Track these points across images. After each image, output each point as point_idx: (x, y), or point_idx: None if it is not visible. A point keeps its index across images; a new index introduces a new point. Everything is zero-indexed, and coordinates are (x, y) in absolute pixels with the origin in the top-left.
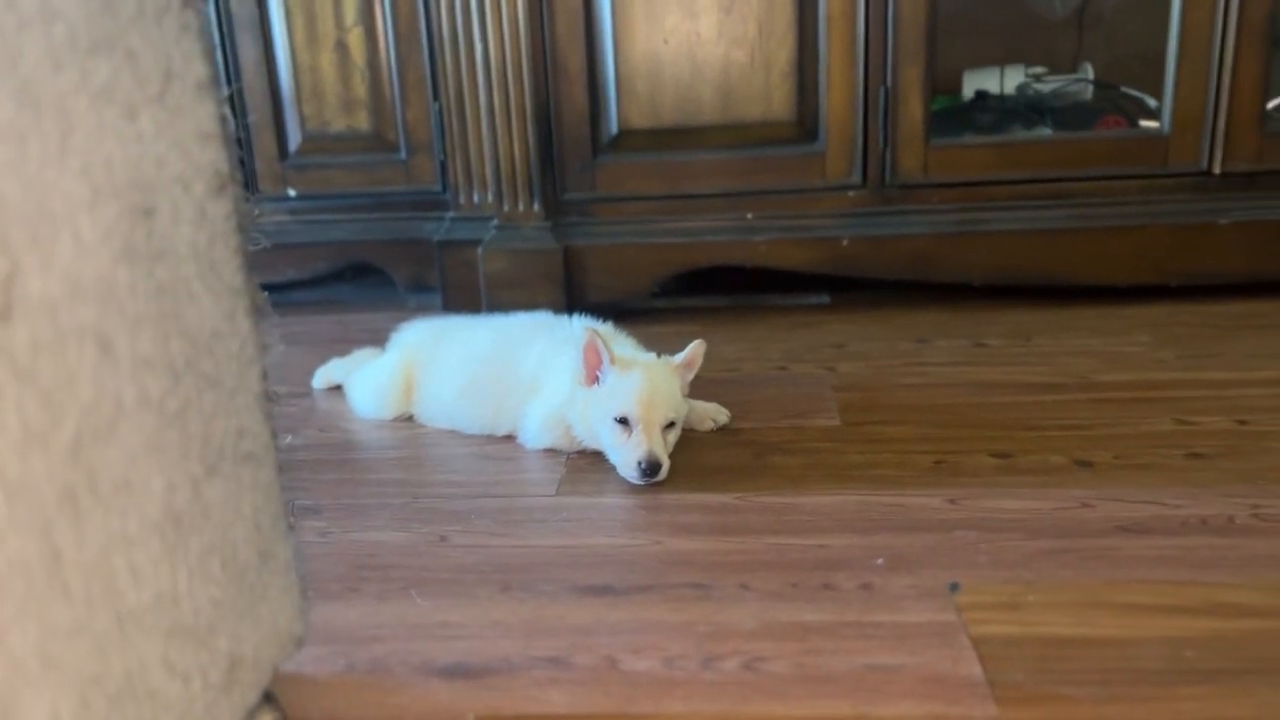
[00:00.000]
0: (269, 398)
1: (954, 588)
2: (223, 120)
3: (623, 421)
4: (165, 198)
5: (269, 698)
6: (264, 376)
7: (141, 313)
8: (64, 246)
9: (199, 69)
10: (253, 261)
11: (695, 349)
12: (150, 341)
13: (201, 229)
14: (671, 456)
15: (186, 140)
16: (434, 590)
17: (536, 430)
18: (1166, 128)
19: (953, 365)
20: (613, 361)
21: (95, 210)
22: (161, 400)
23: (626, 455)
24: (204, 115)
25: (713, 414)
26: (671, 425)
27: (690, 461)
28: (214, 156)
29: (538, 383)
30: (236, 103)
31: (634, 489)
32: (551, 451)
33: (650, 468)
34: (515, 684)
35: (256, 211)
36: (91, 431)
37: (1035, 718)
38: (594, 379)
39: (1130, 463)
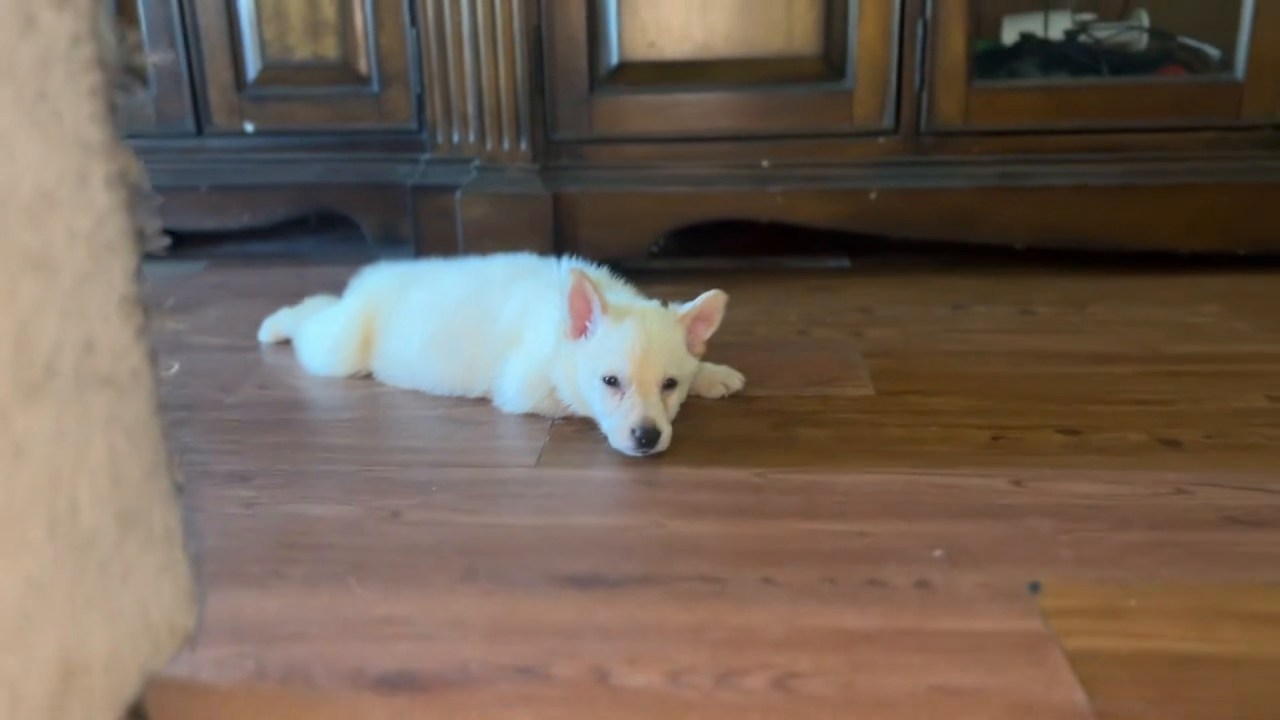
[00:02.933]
0: (143, 306)
1: (1034, 588)
2: None
3: (612, 382)
4: None
5: (137, 714)
6: (135, 276)
7: None
8: None
9: None
10: (176, 196)
11: (711, 300)
12: None
13: (26, 43)
14: (675, 424)
15: None
16: (378, 577)
17: (516, 391)
18: (1240, 73)
19: (998, 333)
20: (604, 310)
21: None
22: None
23: (618, 422)
24: None
25: (723, 378)
26: (672, 385)
27: (698, 432)
28: None
29: (518, 335)
30: (188, 24)
31: (630, 461)
32: (533, 417)
33: (646, 436)
34: (474, 700)
35: (134, 41)
36: None
37: None
38: (581, 330)
39: (1226, 443)
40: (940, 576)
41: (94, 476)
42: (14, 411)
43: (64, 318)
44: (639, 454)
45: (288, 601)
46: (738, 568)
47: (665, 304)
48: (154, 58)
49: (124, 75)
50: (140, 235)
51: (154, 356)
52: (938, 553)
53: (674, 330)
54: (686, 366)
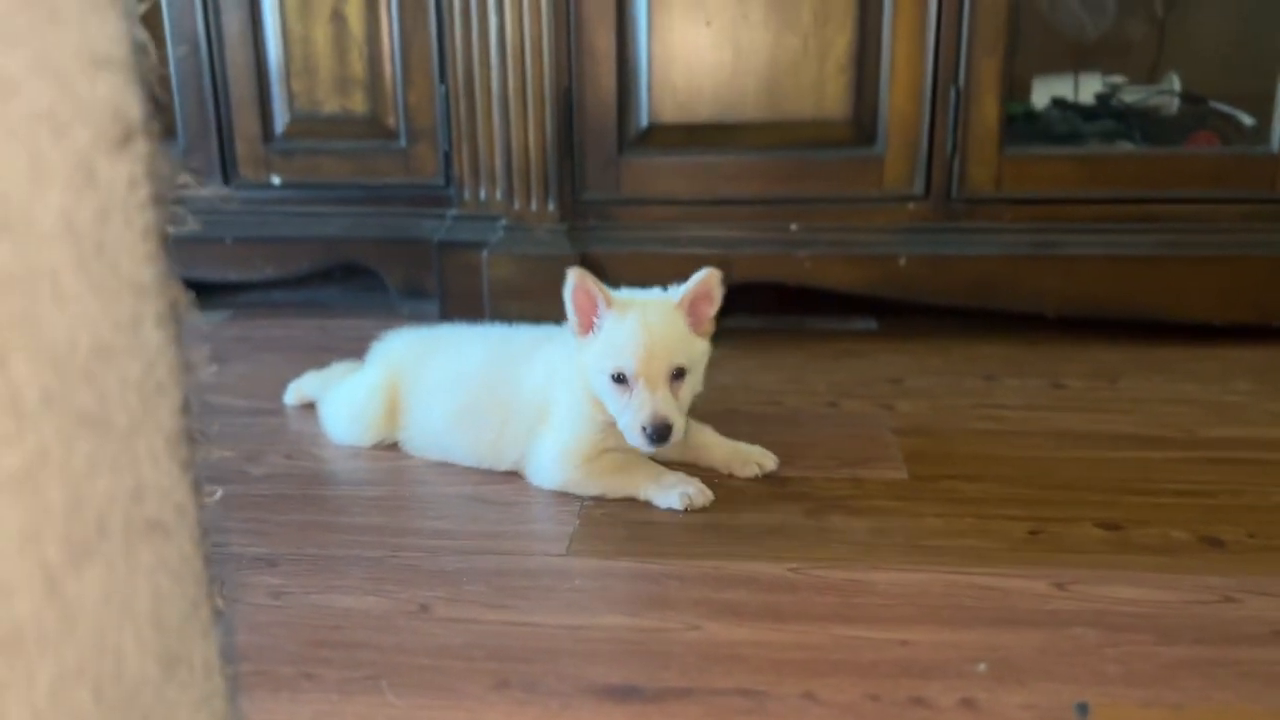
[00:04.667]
0: (190, 439)
1: (1082, 709)
2: (133, 44)
3: (620, 379)
4: (16, 144)
5: None
6: (183, 410)
7: None
8: None
9: None
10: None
11: (705, 279)
12: None
13: (85, 197)
14: (710, 511)
15: (62, 63)
16: (411, 682)
17: (549, 466)
18: (1275, 146)
19: (1031, 409)
20: (608, 304)
21: None
22: None
23: (630, 420)
24: (97, 30)
25: (758, 458)
26: (683, 374)
27: (731, 519)
28: (111, 94)
29: (544, 404)
30: (218, 75)
31: (662, 551)
32: (563, 497)
33: (657, 432)
34: None
35: (184, 178)
36: None
37: None
38: (589, 327)
39: (1270, 543)
40: (985, 694)
41: (139, 627)
42: (65, 578)
43: (114, 473)
44: (652, 450)
45: (321, 709)
46: (777, 680)
47: (665, 288)
48: (204, 191)
49: (176, 208)
50: (190, 368)
51: (199, 486)
52: (981, 666)
53: (675, 318)
54: (695, 350)
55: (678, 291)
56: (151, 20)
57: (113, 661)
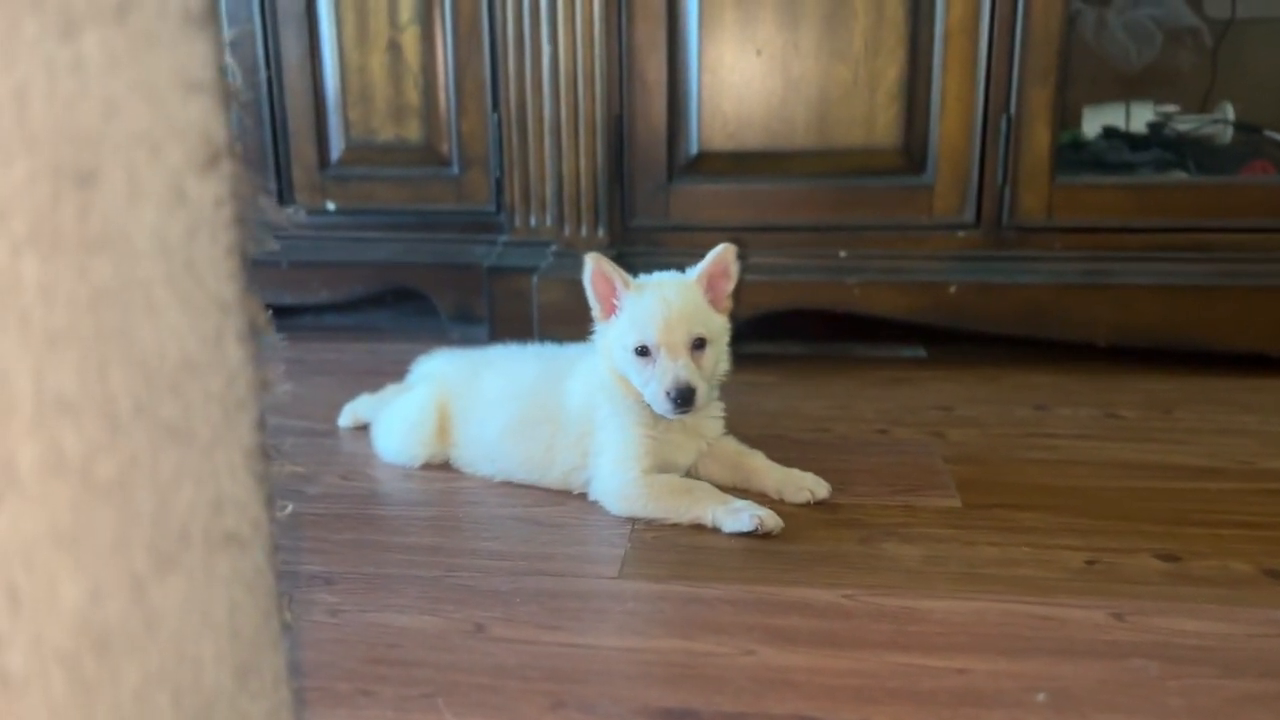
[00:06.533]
0: (265, 454)
1: None
2: (221, 69)
3: (643, 352)
4: (116, 162)
5: None
6: (260, 425)
7: (61, 328)
8: None
9: None
10: (258, 271)
11: (721, 254)
12: (73, 373)
13: (177, 216)
14: (761, 537)
15: (158, 85)
16: (467, 700)
17: (610, 484)
18: None
19: (1084, 439)
20: (626, 286)
21: None
22: (87, 463)
23: (655, 388)
24: (190, 55)
25: (810, 485)
26: (703, 345)
27: (784, 544)
28: (202, 116)
29: (589, 417)
30: (276, 103)
31: (715, 576)
32: (613, 521)
33: (680, 395)
34: None
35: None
36: None
37: None
38: (610, 310)
39: None
40: None
41: (216, 637)
42: (151, 586)
43: (197, 484)
44: (677, 415)
45: None
46: (834, 708)
47: (683, 269)
48: (278, 213)
49: (259, 228)
50: (267, 385)
51: (272, 501)
52: (1041, 696)
53: (692, 291)
54: (714, 323)
55: (694, 269)
56: None
57: (191, 669)
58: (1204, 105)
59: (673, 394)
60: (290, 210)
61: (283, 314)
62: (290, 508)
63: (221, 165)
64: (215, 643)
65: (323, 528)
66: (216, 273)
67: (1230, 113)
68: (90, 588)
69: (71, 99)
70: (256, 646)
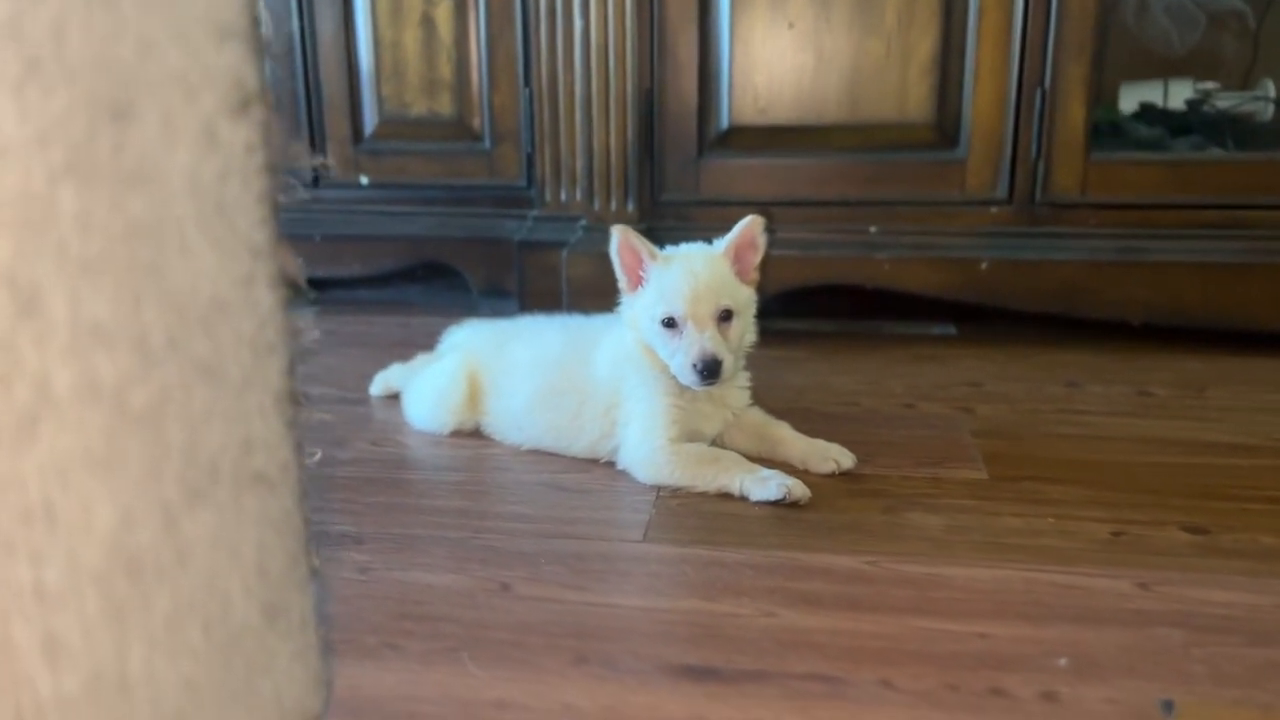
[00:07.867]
0: (294, 400)
1: (1167, 707)
2: (253, 19)
3: (670, 323)
4: (152, 101)
5: None
6: (289, 371)
7: (96, 257)
8: None
9: None
10: (284, 221)
11: (748, 226)
12: (108, 302)
13: (209, 158)
14: (785, 505)
15: (192, 30)
16: (491, 654)
17: (638, 452)
18: None
19: (1115, 415)
20: (653, 258)
21: (23, 90)
22: (120, 391)
23: (681, 360)
24: (224, 1)
25: (835, 455)
26: (729, 317)
27: (808, 512)
28: (234, 62)
29: (616, 387)
30: (310, 78)
31: (738, 541)
32: (638, 487)
33: (707, 367)
34: None
35: (303, 153)
36: None
37: None
38: (637, 282)
39: None
40: (1066, 689)
41: (245, 573)
42: (181, 517)
43: (227, 422)
44: (703, 387)
45: (404, 677)
46: (854, 667)
47: (710, 241)
48: (316, 161)
49: (288, 176)
50: (296, 332)
51: (301, 447)
52: (1062, 661)
53: (720, 263)
54: (740, 295)
55: (721, 241)
56: None
57: (221, 603)
58: (1245, 83)
59: (699, 366)
60: (321, 159)
61: (316, 287)
62: (319, 454)
63: (253, 111)
64: (243, 579)
65: (353, 490)
66: (248, 217)
67: (1272, 90)
68: (123, 513)
69: (108, 35)
70: (284, 587)
